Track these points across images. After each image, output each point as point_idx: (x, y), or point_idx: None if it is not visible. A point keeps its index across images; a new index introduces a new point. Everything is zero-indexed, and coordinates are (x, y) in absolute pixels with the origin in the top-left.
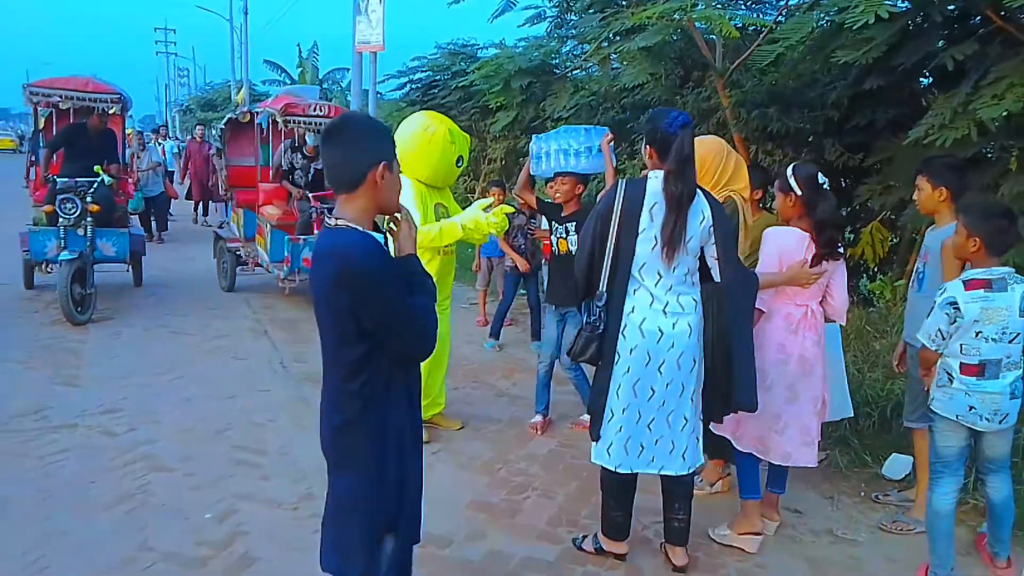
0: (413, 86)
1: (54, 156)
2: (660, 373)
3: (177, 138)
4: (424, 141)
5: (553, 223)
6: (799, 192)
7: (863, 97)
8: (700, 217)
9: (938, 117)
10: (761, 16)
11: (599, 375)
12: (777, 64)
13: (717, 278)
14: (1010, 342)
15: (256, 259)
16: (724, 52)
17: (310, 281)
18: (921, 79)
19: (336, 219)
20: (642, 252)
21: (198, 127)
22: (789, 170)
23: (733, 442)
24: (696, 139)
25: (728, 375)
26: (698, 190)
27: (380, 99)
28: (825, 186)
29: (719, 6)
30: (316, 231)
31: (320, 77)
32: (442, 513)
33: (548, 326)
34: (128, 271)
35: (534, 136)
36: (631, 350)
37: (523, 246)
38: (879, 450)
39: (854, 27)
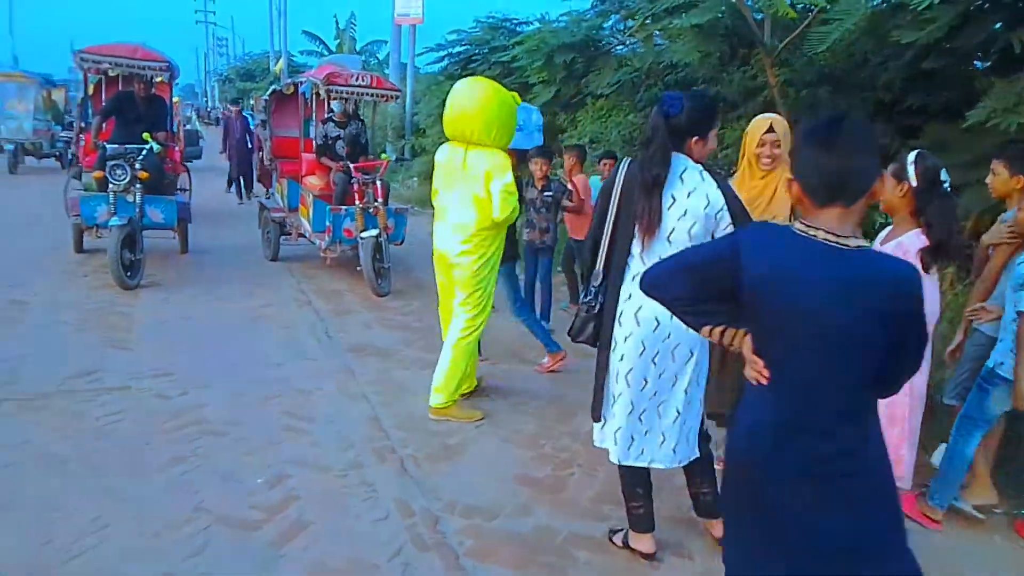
0: (451, 59)
1: (103, 124)
2: (654, 364)
3: (216, 108)
4: (512, 109)
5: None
6: (914, 183)
7: (916, 79)
8: (704, 201)
9: (1001, 101)
10: None
11: (599, 355)
12: (829, 45)
13: None
14: None
15: (299, 229)
16: (772, 30)
17: (829, 307)
18: (976, 62)
19: (848, 240)
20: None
21: (232, 105)
22: (911, 156)
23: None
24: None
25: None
26: (703, 171)
27: (416, 72)
28: (946, 185)
29: None
30: (357, 202)
31: (357, 49)
32: (488, 484)
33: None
34: (174, 238)
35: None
36: (626, 337)
37: (537, 220)
38: (925, 439)
39: (918, 7)
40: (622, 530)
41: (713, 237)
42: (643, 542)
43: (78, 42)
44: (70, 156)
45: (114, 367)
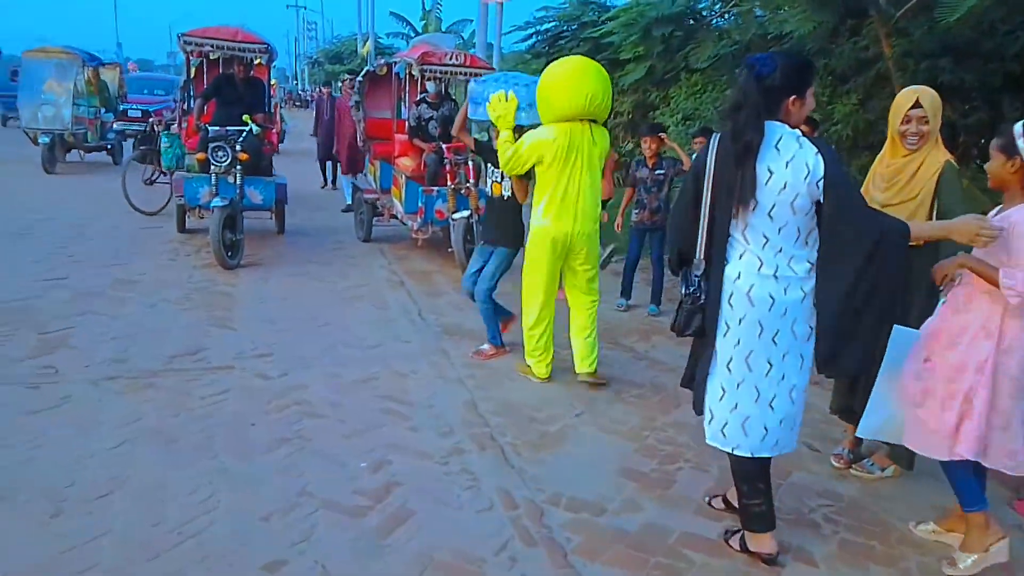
0: (539, 37)
1: (205, 106)
2: (775, 344)
3: (301, 92)
4: None
5: (488, 166)
6: None
7: None
8: (804, 171)
9: None
10: None
11: (700, 348)
12: (965, 12)
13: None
14: None
15: (391, 210)
16: None
17: None
18: None
19: None
20: (743, 212)
21: (346, 77)
22: (1019, 128)
23: (952, 453)
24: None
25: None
26: (800, 137)
27: (502, 52)
28: None
29: None
30: (449, 183)
31: (443, 29)
32: (592, 477)
33: (474, 260)
34: (271, 218)
35: (473, 80)
36: (740, 320)
37: (648, 200)
38: None
39: None
40: (739, 531)
41: (818, 207)
42: (764, 543)
43: (177, 28)
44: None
45: (217, 346)
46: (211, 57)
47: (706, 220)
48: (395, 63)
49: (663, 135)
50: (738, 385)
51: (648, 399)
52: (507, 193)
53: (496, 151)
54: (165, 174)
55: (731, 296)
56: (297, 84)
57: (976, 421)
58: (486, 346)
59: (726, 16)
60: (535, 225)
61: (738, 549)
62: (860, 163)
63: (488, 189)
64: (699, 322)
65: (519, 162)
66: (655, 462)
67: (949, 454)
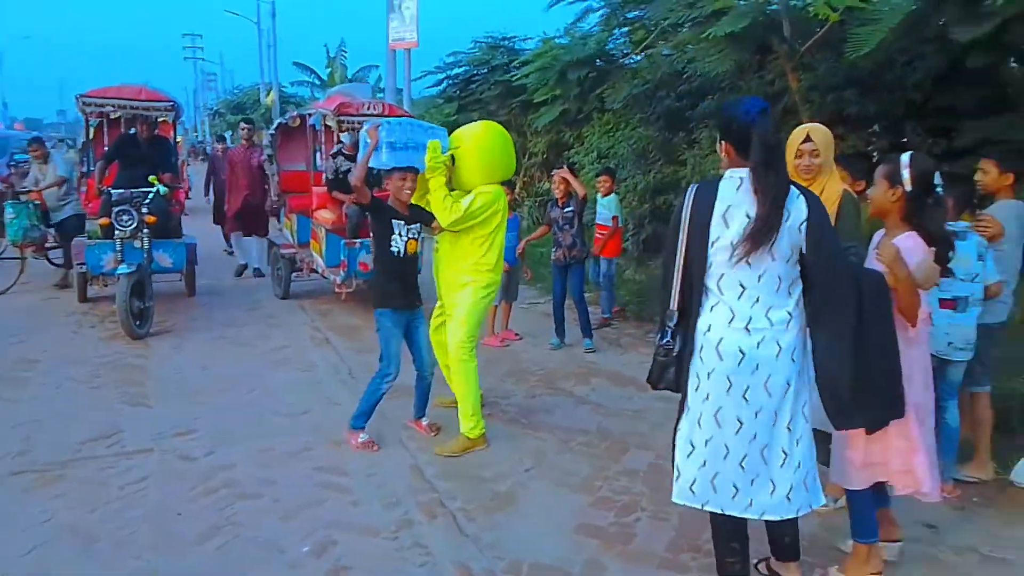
0: (450, 82)
1: (107, 168)
2: (746, 401)
3: (202, 144)
4: None
5: (398, 223)
6: (909, 188)
7: (945, 78)
8: (785, 215)
9: None
10: None
11: (681, 401)
12: (874, 46)
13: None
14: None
15: (311, 264)
16: (791, 34)
17: None
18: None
19: None
20: (719, 263)
21: (243, 125)
22: (904, 158)
23: (849, 479)
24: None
25: (845, 391)
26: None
27: (411, 97)
28: (939, 190)
29: None
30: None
31: (349, 76)
32: (550, 537)
33: (393, 335)
34: (180, 280)
35: (383, 123)
36: (709, 374)
37: (562, 238)
38: (1003, 456)
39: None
40: None
41: (802, 253)
42: None
43: (67, 85)
44: None
45: (133, 427)
46: (112, 117)
47: (680, 271)
48: (310, 114)
49: (561, 172)
50: (706, 442)
51: (596, 446)
52: (416, 251)
53: (409, 207)
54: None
55: (702, 349)
56: (197, 136)
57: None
58: (424, 420)
59: (635, 56)
60: (490, 280)
61: None
62: None
63: (401, 248)
64: (672, 375)
65: (470, 218)
66: (612, 515)
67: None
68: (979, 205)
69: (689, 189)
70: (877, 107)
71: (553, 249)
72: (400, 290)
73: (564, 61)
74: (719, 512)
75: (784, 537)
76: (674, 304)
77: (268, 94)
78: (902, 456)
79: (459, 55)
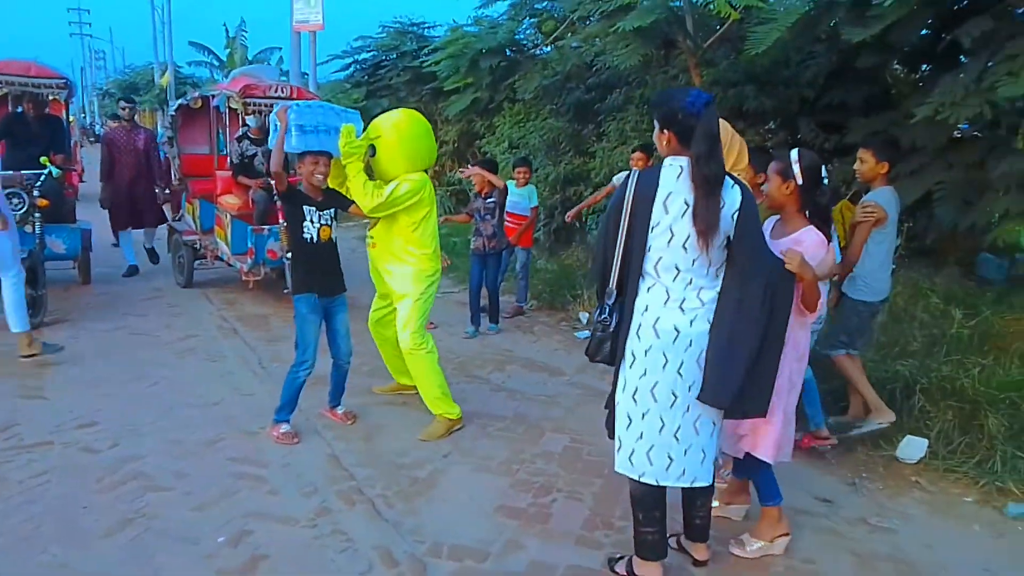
0: (358, 67)
1: None
2: (680, 375)
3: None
4: None
5: (310, 209)
6: (799, 181)
7: (837, 76)
8: (720, 203)
9: (948, 95)
10: None
11: (615, 375)
12: (771, 44)
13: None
14: None
15: (215, 252)
16: (694, 31)
17: None
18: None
19: None
20: (658, 247)
21: (123, 104)
22: (793, 154)
23: (751, 452)
24: None
25: (742, 376)
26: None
27: (317, 81)
28: (825, 180)
29: None
30: (281, 220)
31: (249, 57)
32: (470, 520)
33: (309, 323)
34: (74, 268)
35: (292, 105)
36: (646, 351)
37: (483, 227)
38: (890, 433)
39: (886, 2)
40: (622, 557)
41: (729, 240)
42: (652, 570)
43: None
44: None
45: (30, 420)
46: None
47: (620, 252)
48: (213, 96)
49: (473, 169)
50: (643, 415)
51: (513, 431)
52: (331, 236)
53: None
54: None
55: (639, 328)
56: (85, 117)
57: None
58: (340, 408)
59: (544, 48)
60: (432, 268)
61: (623, 575)
62: None
63: (314, 234)
64: (608, 349)
65: (394, 205)
66: (530, 496)
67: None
68: (857, 194)
69: (631, 174)
70: (774, 103)
71: (472, 239)
72: (316, 276)
73: (475, 49)
74: (652, 483)
75: (696, 518)
76: (613, 283)
77: (163, 74)
78: (752, 422)
79: (367, 39)
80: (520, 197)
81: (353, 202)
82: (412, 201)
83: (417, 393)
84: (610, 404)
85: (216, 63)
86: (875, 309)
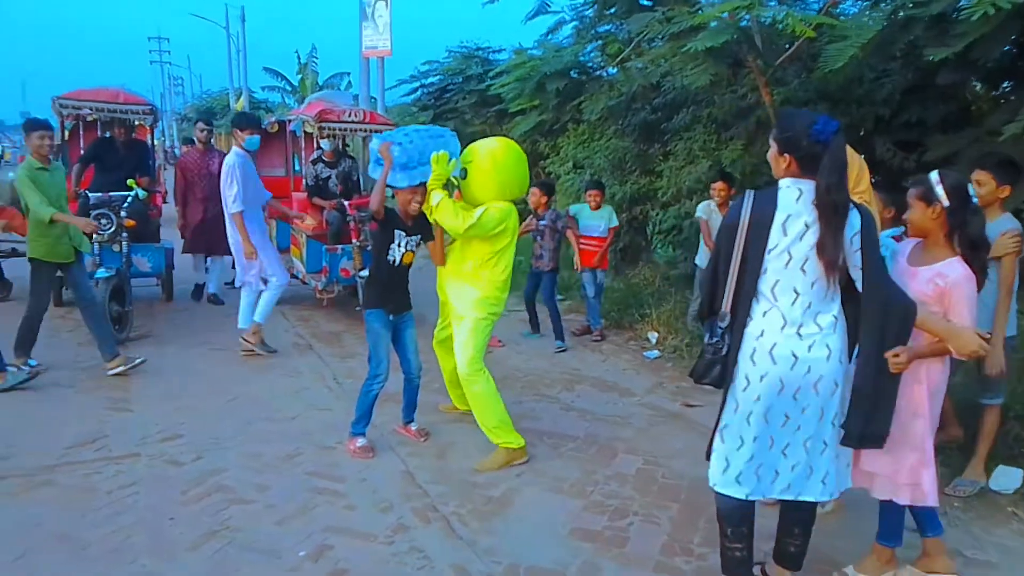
0: (425, 91)
1: (83, 171)
2: (795, 399)
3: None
4: None
5: (400, 233)
6: (946, 203)
7: (912, 93)
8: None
9: None
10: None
11: (724, 396)
12: (846, 61)
13: (861, 290)
14: None
15: (291, 270)
16: (762, 49)
17: None
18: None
19: None
20: (774, 269)
21: (201, 125)
22: (934, 176)
23: (914, 502)
24: None
25: (866, 403)
26: None
27: (385, 105)
28: (974, 199)
29: (768, 2)
30: (354, 240)
31: (320, 83)
32: (545, 541)
33: (381, 338)
34: (158, 285)
35: (395, 140)
36: (761, 377)
37: (535, 248)
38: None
39: (971, 17)
40: None
41: (844, 262)
42: None
43: (30, 87)
44: None
45: (118, 432)
46: (89, 119)
47: (735, 275)
48: (289, 120)
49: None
50: (755, 438)
51: (585, 451)
52: (412, 261)
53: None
54: None
55: (753, 352)
56: (165, 141)
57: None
58: (413, 425)
59: (610, 69)
60: (497, 298)
61: None
62: None
63: (397, 257)
64: (718, 372)
65: (480, 230)
66: (605, 518)
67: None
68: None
69: (745, 196)
70: (848, 121)
71: (533, 257)
72: (389, 294)
73: (541, 72)
74: (760, 500)
75: (791, 545)
76: (727, 306)
77: (238, 99)
78: (912, 471)
79: (433, 64)
80: (597, 219)
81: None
82: (497, 230)
83: None
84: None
85: (288, 88)
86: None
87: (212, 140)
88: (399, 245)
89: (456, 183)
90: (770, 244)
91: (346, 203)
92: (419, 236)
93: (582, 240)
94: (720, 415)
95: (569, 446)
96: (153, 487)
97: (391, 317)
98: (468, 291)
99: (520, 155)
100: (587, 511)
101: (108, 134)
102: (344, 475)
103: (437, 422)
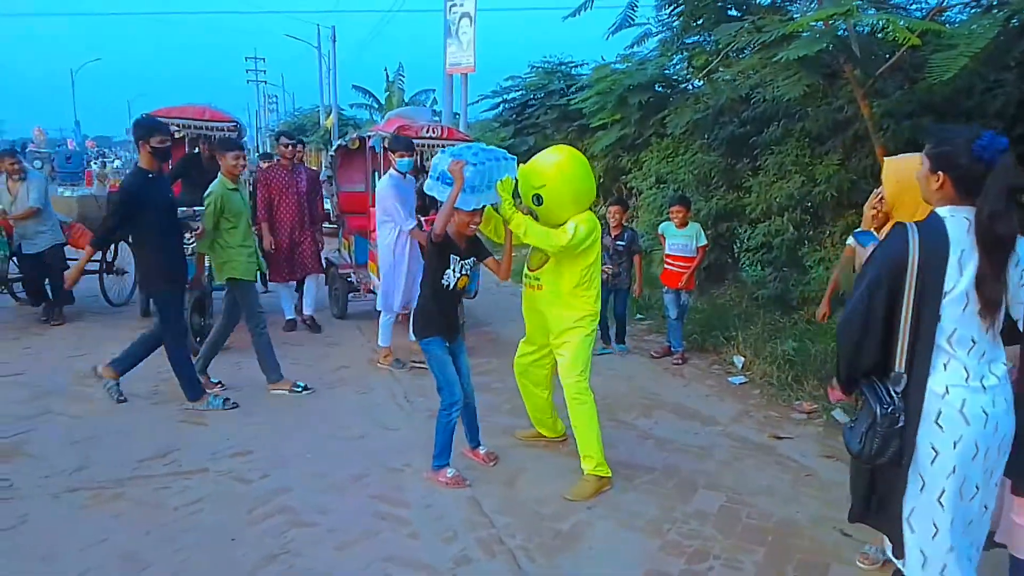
0: (507, 106)
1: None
2: (984, 464)
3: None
4: None
5: (454, 257)
6: None
7: None
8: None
9: None
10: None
11: (890, 474)
12: (957, 71)
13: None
14: None
15: (368, 285)
16: (859, 59)
17: None
18: None
19: None
20: (951, 315)
21: (284, 140)
22: None
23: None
24: (902, 157)
25: None
26: None
27: (468, 121)
28: None
29: (866, 9)
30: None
31: (406, 100)
32: None
33: (444, 362)
34: None
35: (467, 152)
36: (955, 443)
37: (606, 267)
38: None
39: None
40: None
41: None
42: None
43: (135, 104)
44: None
45: (190, 445)
46: (177, 136)
47: (908, 326)
48: (369, 136)
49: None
50: (952, 522)
51: (663, 485)
52: (463, 286)
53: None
54: None
55: (939, 415)
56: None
57: None
58: (482, 449)
59: (695, 82)
60: (595, 311)
61: None
62: (846, 222)
63: (452, 282)
64: (897, 447)
65: (579, 246)
66: (683, 561)
67: None
68: None
69: (908, 230)
70: None
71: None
72: (446, 320)
73: (624, 86)
74: None
75: None
76: (901, 366)
77: (328, 116)
78: None
79: (516, 79)
80: (683, 238)
81: (491, 253)
82: (587, 244)
83: (557, 442)
84: (867, 511)
85: (375, 105)
86: None
87: (300, 156)
88: (454, 270)
89: (531, 209)
90: (946, 286)
91: (423, 219)
92: (472, 259)
93: (667, 260)
94: (903, 499)
95: (645, 478)
96: (218, 505)
97: (447, 342)
98: (570, 312)
99: (584, 162)
100: (663, 551)
101: (196, 150)
102: (409, 500)
103: (506, 446)
